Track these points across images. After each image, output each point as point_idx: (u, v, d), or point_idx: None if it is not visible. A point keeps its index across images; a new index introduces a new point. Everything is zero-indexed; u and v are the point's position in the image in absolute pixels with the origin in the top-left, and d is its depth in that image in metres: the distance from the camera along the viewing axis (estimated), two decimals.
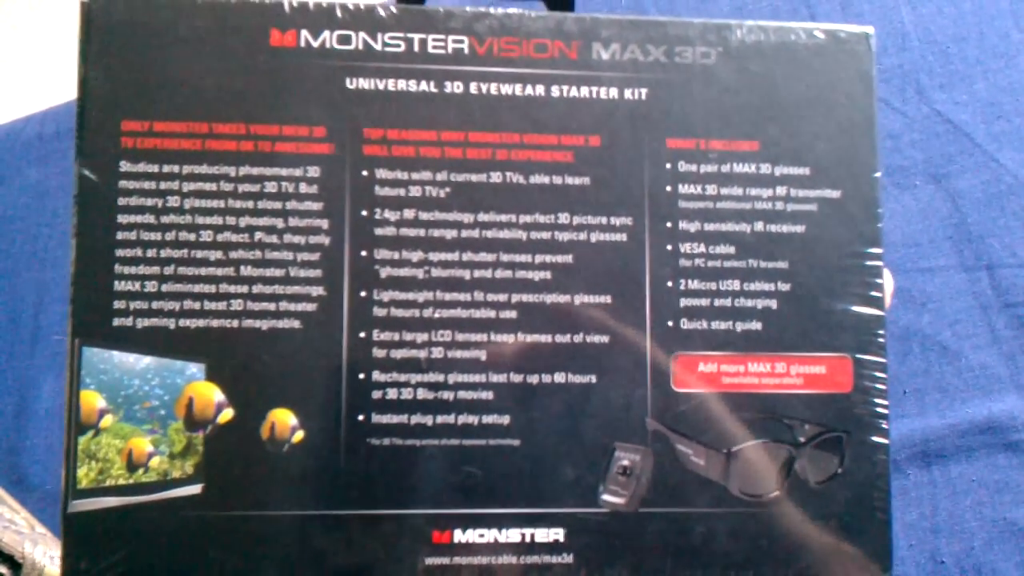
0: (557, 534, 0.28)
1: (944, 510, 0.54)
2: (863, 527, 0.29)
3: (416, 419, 0.28)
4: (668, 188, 0.30)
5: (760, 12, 0.62)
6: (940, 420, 0.54)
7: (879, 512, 0.29)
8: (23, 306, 0.57)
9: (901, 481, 0.54)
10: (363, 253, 0.28)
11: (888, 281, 0.32)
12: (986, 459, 0.54)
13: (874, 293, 0.30)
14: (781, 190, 0.30)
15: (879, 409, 0.30)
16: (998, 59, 0.61)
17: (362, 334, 0.28)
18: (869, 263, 0.30)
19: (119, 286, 0.28)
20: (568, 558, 0.28)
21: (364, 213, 0.29)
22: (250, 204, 0.28)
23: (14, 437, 0.55)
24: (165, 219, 0.28)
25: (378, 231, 0.29)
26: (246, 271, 0.28)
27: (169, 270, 0.28)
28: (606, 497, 0.29)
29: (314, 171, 0.29)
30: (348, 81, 0.29)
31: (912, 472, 0.54)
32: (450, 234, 0.29)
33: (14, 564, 0.43)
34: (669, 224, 0.30)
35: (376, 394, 0.28)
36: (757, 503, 0.29)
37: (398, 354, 0.28)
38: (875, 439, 0.30)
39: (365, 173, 0.29)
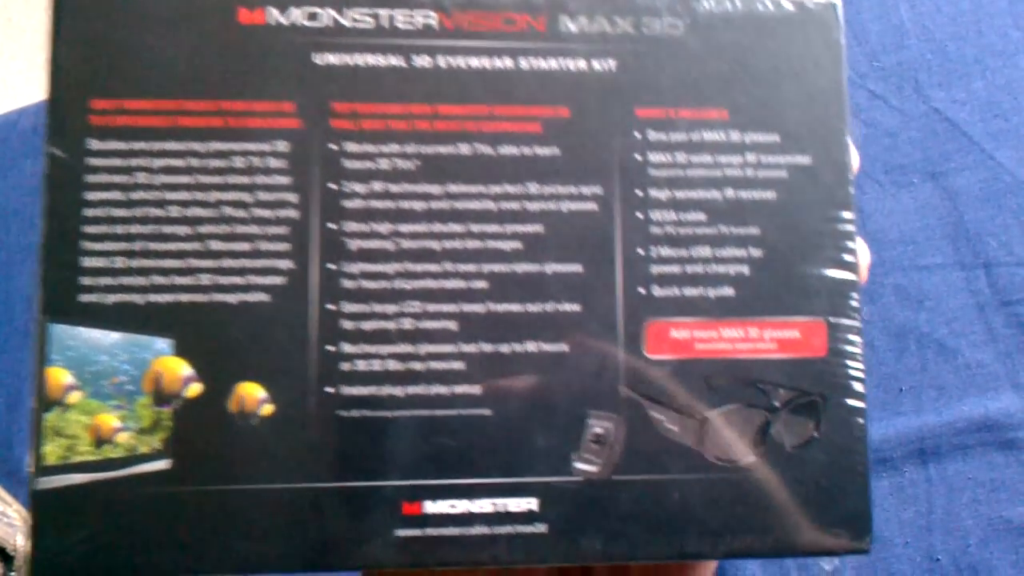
0: (530, 503, 0.28)
1: (940, 508, 0.53)
2: (841, 492, 0.28)
3: (386, 390, 0.28)
4: (638, 157, 0.29)
5: None
6: (936, 418, 0.54)
7: (857, 476, 0.28)
8: (17, 298, 0.57)
9: (897, 479, 0.54)
10: (331, 226, 0.28)
11: (864, 253, 0.31)
12: (982, 457, 0.54)
13: (847, 257, 0.29)
14: (751, 157, 0.30)
15: (855, 372, 0.29)
16: (996, 57, 0.60)
17: (331, 306, 0.28)
18: (841, 227, 0.29)
19: (87, 263, 0.27)
20: (542, 527, 0.27)
21: (333, 186, 0.28)
22: (218, 179, 0.28)
23: (6, 429, 0.54)
24: (134, 195, 0.28)
25: (347, 204, 0.28)
26: (215, 245, 0.28)
27: (137, 246, 0.27)
28: (579, 465, 0.28)
29: (283, 145, 0.28)
30: (317, 57, 0.29)
31: (908, 470, 0.54)
32: (419, 206, 0.28)
33: (6, 556, 0.43)
34: (639, 192, 0.29)
35: (345, 366, 0.28)
36: (732, 469, 0.28)
37: (367, 326, 0.28)
38: (851, 403, 0.29)
39: (333, 147, 0.28)
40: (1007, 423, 0.54)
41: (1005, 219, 0.57)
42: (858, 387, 0.29)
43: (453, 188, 0.28)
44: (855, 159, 0.31)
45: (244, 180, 0.28)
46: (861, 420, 0.29)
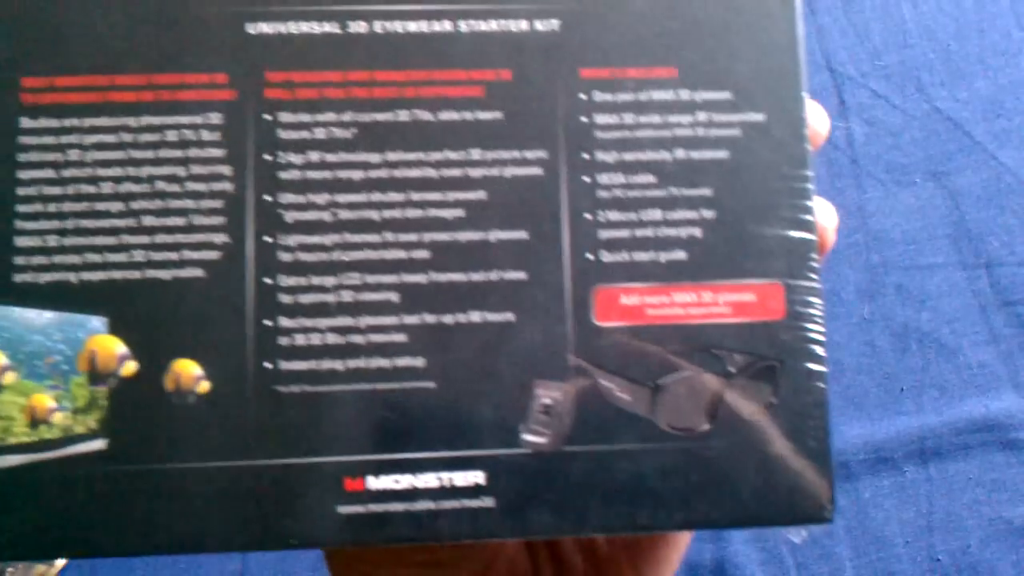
0: (477, 477, 0.27)
1: (941, 508, 0.53)
2: (800, 460, 0.27)
3: (326, 364, 0.27)
4: (583, 119, 0.28)
5: None
6: (937, 418, 0.53)
7: (816, 442, 0.27)
8: None
9: (898, 478, 0.53)
10: (267, 198, 0.27)
11: (829, 214, 0.30)
12: (983, 457, 0.53)
13: (804, 217, 0.28)
14: (702, 116, 0.28)
15: (814, 335, 0.28)
16: (999, 57, 0.60)
17: (267, 280, 0.27)
18: (797, 185, 0.28)
19: (20, 242, 0.27)
20: (489, 501, 0.27)
21: (268, 157, 0.27)
22: (151, 154, 0.27)
23: None
24: (66, 173, 0.27)
25: (282, 175, 0.27)
26: (148, 221, 0.27)
27: (70, 224, 0.27)
28: (527, 437, 0.27)
29: (216, 118, 0.27)
30: (250, 27, 0.28)
31: (909, 469, 0.54)
32: (357, 175, 0.28)
33: None
34: (585, 155, 0.28)
35: (283, 340, 0.27)
36: (687, 438, 0.27)
37: (306, 299, 0.27)
38: (811, 367, 0.28)
39: (268, 117, 0.28)
40: (1008, 423, 0.53)
41: (1007, 219, 0.57)
42: (818, 351, 0.28)
43: (392, 156, 0.28)
44: (821, 119, 0.30)
45: (177, 154, 0.27)
46: (821, 385, 0.28)
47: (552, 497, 0.27)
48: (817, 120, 0.30)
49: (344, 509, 0.26)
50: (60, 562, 0.59)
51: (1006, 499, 0.53)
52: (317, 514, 0.26)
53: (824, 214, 0.29)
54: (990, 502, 0.53)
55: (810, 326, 0.28)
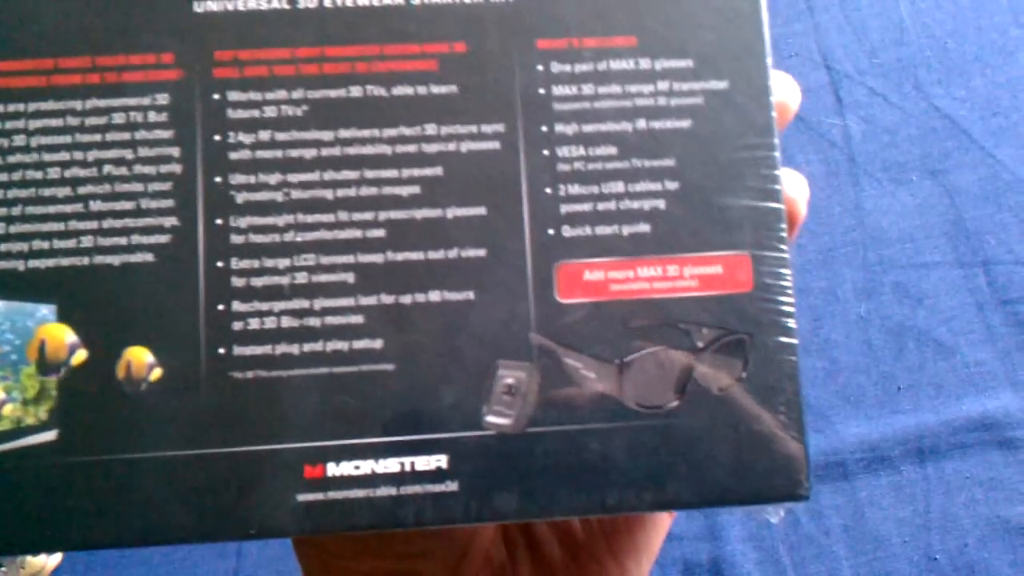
0: (439, 461, 0.26)
1: (938, 507, 0.53)
2: (774, 435, 0.27)
3: (281, 349, 0.26)
4: (541, 91, 0.27)
5: None
6: (934, 416, 0.53)
7: (788, 416, 0.27)
8: None
9: (895, 477, 0.53)
10: (217, 179, 0.27)
11: (802, 187, 0.29)
12: (980, 456, 0.53)
13: (771, 186, 0.27)
14: (663, 85, 0.28)
15: (784, 307, 0.27)
16: (996, 55, 0.60)
17: (219, 263, 0.26)
18: (763, 154, 0.28)
19: None
20: (453, 485, 0.26)
21: (217, 138, 0.27)
22: (98, 137, 0.26)
23: None
24: (11, 159, 0.26)
25: (232, 155, 0.27)
26: (96, 206, 0.26)
27: (16, 211, 0.26)
28: (490, 419, 0.26)
29: (163, 98, 0.27)
30: (197, 5, 0.27)
31: (906, 468, 0.53)
32: (309, 154, 0.27)
33: None
34: (544, 128, 0.27)
35: (237, 325, 0.26)
36: (656, 415, 0.26)
37: (259, 282, 0.26)
38: (781, 339, 0.27)
39: (216, 96, 0.27)
40: (1005, 422, 0.53)
41: (1004, 217, 0.57)
42: (788, 323, 0.27)
43: (345, 133, 0.27)
44: (790, 91, 0.29)
45: (124, 137, 0.26)
46: (792, 358, 0.27)
47: (517, 479, 0.26)
48: (786, 92, 0.29)
49: (304, 497, 0.25)
50: (53, 563, 0.58)
51: (1003, 498, 0.53)
52: (276, 503, 0.25)
53: (794, 186, 0.29)
54: (987, 501, 0.53)
55: (779, 298, 0.27)
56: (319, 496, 0.25)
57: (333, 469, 0.26)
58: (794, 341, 0.27)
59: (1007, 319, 0.55)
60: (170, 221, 0.26)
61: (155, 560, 0.56)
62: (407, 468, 0.26)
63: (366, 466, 0.26)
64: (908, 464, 0.53)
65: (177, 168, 0.26)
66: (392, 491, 0.26)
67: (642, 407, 0.26)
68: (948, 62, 0.59)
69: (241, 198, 0.26)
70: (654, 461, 0.26)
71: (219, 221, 0.26)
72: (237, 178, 0.27)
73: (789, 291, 0.27)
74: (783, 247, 0.27)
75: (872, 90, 0.59)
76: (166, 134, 0.27)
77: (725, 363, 0.27)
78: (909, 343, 0.55)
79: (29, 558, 0.49)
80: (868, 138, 0.58)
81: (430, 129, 0.27)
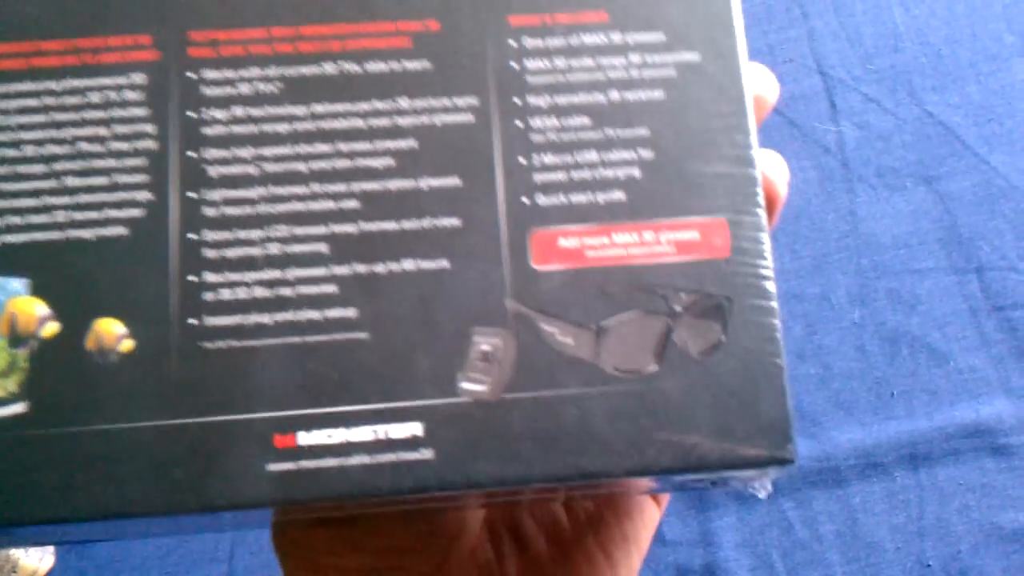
0: (414, 428, 0.25)
1: (931, 513, 0.52)
2: (756, 398, 0.26)
3: (253, 318, 0.26)
4: (514, 65, 0.28)
5: (753, 11, 0.61)
6: (928, 422, 0.52)
7: (773, 380, 0.26)
8: None
9: (888, 483, 0.53)
10: (191, 154, 0.27)
11: (782, 168, 0.29)
12: (973, 462, 0.53)
13: (745, 152, 0.27)
14: (635, 58, 0.28)
15: (762, 271, 0.27)
16: (990, 62, 0.60)
17: (192, 235, 0.26)
18: (735, 121, 0.28)
19: None
20: (428, 453, 0.25)
21: (192, 114, 0.27)
22: (74, 116, 0.27)
23: None
24: None
25: (207, 131, 0.27)
26: (71, 182, 0.26)
27: None
28: (466, 385, 0.26)
29: (139, 78, 0.27)
30: None
31: (899, 474, 0.53)
32: (283, 128, 0.27)
33: None
34: (517, 101, 0.27)
35: (208, 296, 0.26)
36: (634, 380, 0.26)
37: (231, 253, 0.26)
38: (760, 303, 0.27)
39: (191, 75, 0.27)
40: (998, 428, 0.53)
41: (998, 224, 0.57)
42: (767, 286, 0.27)
43: (319, 108, 0.27)
44: (767, 83, 0.29)
45: (100, 115, 0.27)
46: (773, 320, 0.26)
47: (494, 446, 0.25)
48: (762, 84, 0.29)
49: (274, 467, 0.25)
50: (45, 567, 0.57)
51: (996, 504, 0.52)
52: (246, 473, 0.25)
53: (773, 167, 0.29)
54: (980, 507, 0.52)
55: (758, 262, 0.27)
56: (290, 466, 0.25)
57: (305, 438, 0.25)
58: (774, 304, 0.27)
59: (1000, 325, 0.55)
60: (144, 195, 0.26)
61: (148, 564, 0.55)
62: (381, 436, 0.25)
63: (339, 435, 0.25)
64: (901, 470, 0.53)
65: (152, 144, 0.27)
66: (366, 460, 0.25)
67: (620, 372, 0.26)
68: (942, 69, 0.59)
69: (214, 172, 0.27)
70: (633, 426, 0.26)
71: (192, 194, 0.26)
72: (211, 152, 0.27)
73: (767, 255, 0.27)
74: (759, 211, 0.27)
75: (866, 96, 0.59)
76: (141, 112, 0.27)
77: (704, 327, 0.26)
78: (903, 349, 0.55)
79: (21, 562, 0.48)
80: (862, 144, 0.58)
81: (403, 103, 0.27)
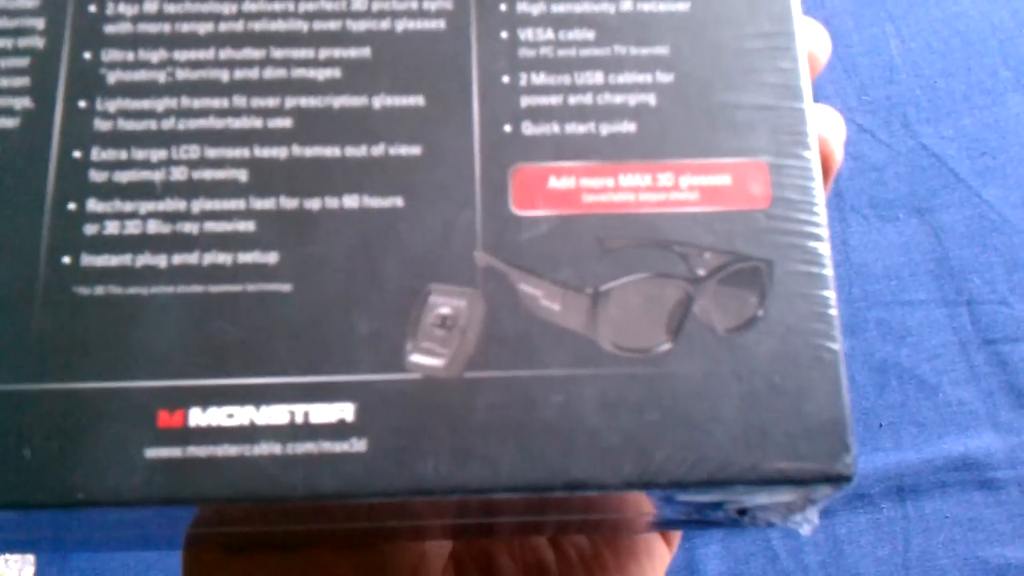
0: (344, 411, 0.19)
1: (917, 546, 0.52)
2: (802, 390, 0.20)
3: (144, 260, 0.20)
4: None
5: None
6: (916, 455, 0.52)
7: (825, 367, 0.20)
8: None
9: (875, 515, 0.52)
10: (87, 56, 0.21)
11: (839, 126, 0.23)
12: (961, 496, 0.53)
13: (792, 82, 0.21)
14: None
15: (811, 229, 0.20)
16: (985, 95, 0.60)
17: (77, 153, 0.20)
18: (781, 44, 0.22)
19: None
20: (360, 445, 0.19)
21: (92, 9, 0.21)
22: None
23: None
24: None
25: (109, 28, 0.21)
26: None
27: None
28: (416, 358, 0.19)
29: None
30: None
31: (886, 506, 0.52)
32: (204, 28, 0.21)
33: None
34: (503, 6, 0.22)
35: (90, 228, 0.20)
36: (640, 361, 0.20)
37: (124, 177, 0.20)
38: (809, 268, 0.20)
39: None
40: (986, 462, 0.53)
41: (989, 257, 0.57)
42: (818, 248, 0.20)
43: (250, 6, 0.21)
44: (819, 39, 0.23)
45: None
46: (826, 293, 0.20)
47: (449, 440, 0.19)
48: (816, 41, 0.24)
49: (153, 453, 0.19)
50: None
51: (983, 539, 0.52)
52: (115, 459, 0.18)
53: (828, 122, 0.23)
54: (966, 541, 0.52)
55: (806, 217, 0.20)
56: (175, 452, 0.19)
57: (197, 417, 0.19)
58: (827, 272, 0.20)
59: (990, 359, 0.54)
60: (21, 103, 0.20)
61: (137, 569, 0.52)
62: (299, 419, 0.19)
63: (242, 414, 0.19)
64: (888, 502, 0.52)
65: (39, 42, 0.21)
66: (276, 449, 0.19)
67: (622, 350, 0.20)
68: (937, 101, 0.59)
69: (113, 78, 0.21)
70: (636, 421, 0.19)
71: (83, 103, 0.21)
72: (111, 54, 0.21)
73: (819, 208, 0.21)
74: (808, 155, 0.21)
75: (861, 127, 0.58)
76: (30, 4, 0.21)
77: (735, 297, 0.20)
78: (891, 380, 0.54)
79: (1, 569, 0.45)
80: (856, 175, 0.58)
81: (357, 3, 0.22)
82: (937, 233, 0.58)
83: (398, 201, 0.19)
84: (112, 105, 0.19)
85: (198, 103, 0.20)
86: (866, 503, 0.53)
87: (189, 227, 0.19)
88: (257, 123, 0.19)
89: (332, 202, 0.19)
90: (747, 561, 0.53)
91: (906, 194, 0.59)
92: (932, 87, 0.61)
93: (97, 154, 0.19)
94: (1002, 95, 0.61)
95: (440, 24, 0.20)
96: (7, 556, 0.47)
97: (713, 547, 0.53)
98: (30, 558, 0.54)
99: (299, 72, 0.20)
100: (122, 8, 0.20)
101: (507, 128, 0.20)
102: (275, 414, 0.18)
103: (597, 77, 0.20)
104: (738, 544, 0.53)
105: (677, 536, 0.26)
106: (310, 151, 0.19)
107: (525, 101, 0.20)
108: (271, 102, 0.20)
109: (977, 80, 0.61)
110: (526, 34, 0.20)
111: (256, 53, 0.20)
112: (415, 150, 0.19)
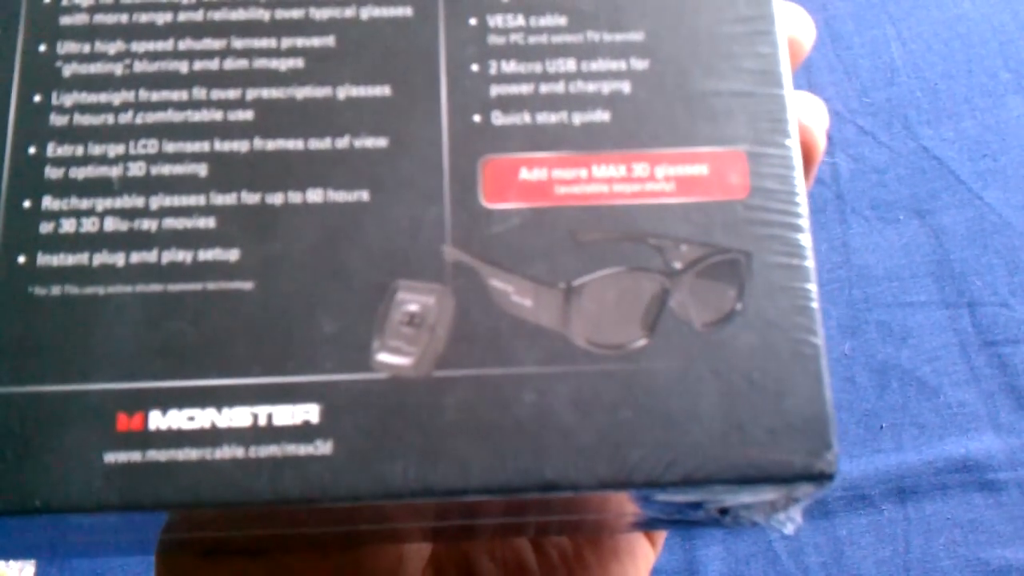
0: (308, 412, 0.19)
1: (917, 548, 0.52)
2: (782, 386, 0.19)
3: (101, 258, 0.19)
4: None
5: None
6: (916, 456, 0.52)
7: (805, 362, 0.19)
8: None
9: (875, 516, 0.52)
10: (42, 48, 0.20)
11: (821, 112, 0.23)
12: (961, 497, 0.53)
13: (772, 68, 0.21)
14: None
15: (791, 220, 0.20)
16: (986, 97, 0.60)
17: (32, 149, 0.20)
18: (760, 27, 0.21)
19: None
20: (325, 447, 0.18)
21: (47, 1, 0.21)
22: None
23: None
24: None
25: (65, 20, 0.21)
26: None
27: None
28: (383, 357, 0.19)
29: None
30: None
31: (886, 508, 0.52)
32: (163, 18, 0.21)
33: None
34: None
35: (46, 227, 0.19)
36: (615, 357, 0.19)
37: (80, 173, 0.20)
38: (789, 260, 0.20)
39: None
40: (987, 464, 0.53)
41: (990, 259, 0.57)
42: (799, 239, 0.20)
43: None
44: (803, 25, 0.23)
45: None
46: (807, 286, 0.19)
47: (418, 441, 0.18)
48: (799, 26, 0.23)
49: (113, 457, 0.18)
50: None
51: (983, 540, 0.52)
52: (73, 464, 0.18)
53: (810, 109, 0.22)
54: (967, 543, 0.52)
55: (786, 207, 0.20)
56: (134, 456, 0.18)
57: (157, 420, 0.18)
58: (808, 264, 0.20)
59: (991, 360, 0.54)
60: None
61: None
62: (262, 421, 0.18)
63: (204, 417, 0.18)
64: (888, 503, 0.52)
65: None
66: (238, 453, 0.18)
67: (596, 346, 0.19)
68: (938, 104, 0.59)
69: (69, 70, 0.20)
70: (611, 419, 0.19)
71: (37, 98, 0.20)
72: (67, 47, 0.20)
73: (799, 199, 0.20)
74: (789, 143, 0.20)
75: (861, 129, 0.58)
76: None
77: (712, 290, 0.19)
78: (892, 382, 0.54)
79: (2, 569, 0.46)
80: (856, 177, 0.58)
81: None
82: (938, 235, 0.58)
83: (364, 195, 0.19)
84: (68, 99, 0.19)
85: (156, 96, 0.19)
86: (867, 505, 0.53)
87: (147, 224, 0.18)
88: (217, 116, 0.19)
89: (295, 196, 0.19)
90: (748, 562, 0.53)
91: (907, 196, 0.59)
92: (933, 89, 0.61)
93: (53, 150, 0.19)
94: (1003, 97, 0.61)
95: (407, 11, 0.20)
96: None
97: (714, 548, 0.53)
98: (30, 562, 0.55)
99: (261, 62, 0.19)
100: None
101: (476, 118, 0.19)
102: (237, 416, 0.17)
103: (569, 64, 0.20)
104: (739, 545, 0.53)
105: (662, 536, 0.25)
106: (272, 144, 0.19)
107: (495, 90, 0.19)
108: (232, 94, 0.19)
109: (978, 82, 0.61)
110: (496, 20, 0.20)
111: (216, 43, 0.19)
112: (381, 142, 0.19)
